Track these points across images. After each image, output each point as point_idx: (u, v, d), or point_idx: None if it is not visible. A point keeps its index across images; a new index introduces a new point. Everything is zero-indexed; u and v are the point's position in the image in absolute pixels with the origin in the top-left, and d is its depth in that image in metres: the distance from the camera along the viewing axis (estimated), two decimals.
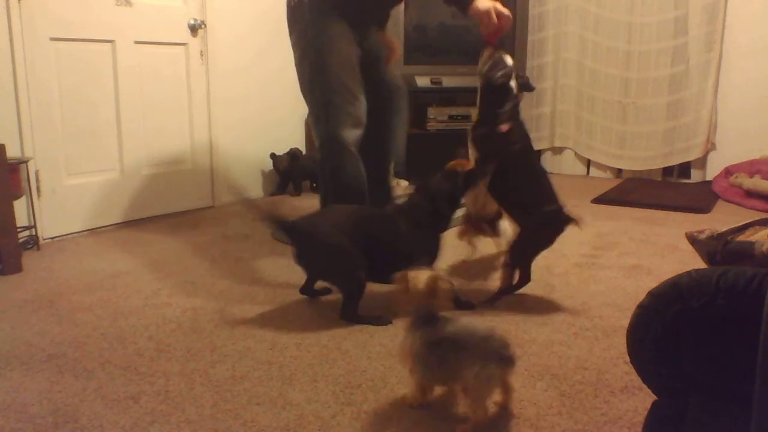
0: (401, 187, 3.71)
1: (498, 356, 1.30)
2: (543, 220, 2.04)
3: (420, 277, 1.38)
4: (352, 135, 2.47)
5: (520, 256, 2.08)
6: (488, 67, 2.14)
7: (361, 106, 2.49)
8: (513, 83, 2.13)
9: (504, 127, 2.06)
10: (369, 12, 2.60)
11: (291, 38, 2.59)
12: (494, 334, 1.34)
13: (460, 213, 2.34)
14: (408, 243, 1.99)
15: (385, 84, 2.67)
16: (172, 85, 3.35)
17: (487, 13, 2.24)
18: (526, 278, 2.11)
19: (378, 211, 2.22)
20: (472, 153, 2.16)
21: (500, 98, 2.09)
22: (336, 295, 2.17)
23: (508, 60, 2.17)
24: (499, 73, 2.10)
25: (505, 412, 1.40)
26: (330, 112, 2.45)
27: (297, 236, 2.04)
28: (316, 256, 2.00)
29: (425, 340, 1.36)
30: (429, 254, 2.03)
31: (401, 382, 1.55)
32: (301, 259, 2.04)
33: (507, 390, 1.40)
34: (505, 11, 2.27)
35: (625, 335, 1.08)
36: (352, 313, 1.96)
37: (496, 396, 1.38)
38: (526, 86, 2.24)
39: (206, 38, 3.46)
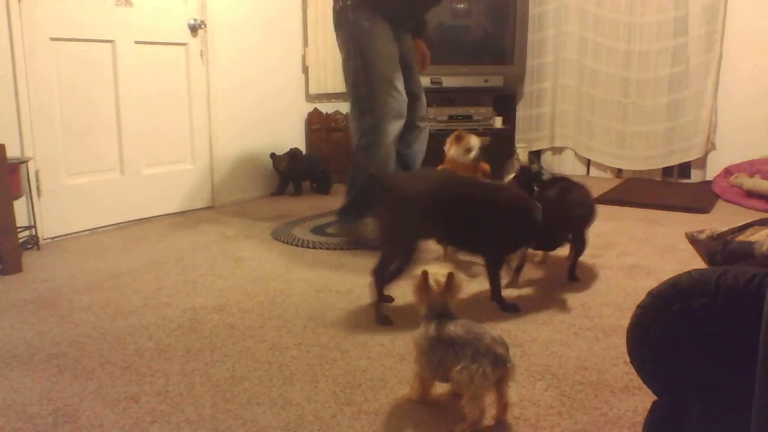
0: None
1: (492, 354, 1.29)
2: None
3: (438, 273, 1.40)
4: (395, 127, 2.67)
5: None
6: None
7: (403, 100, 2.70)
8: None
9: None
10: (404, 17, 2.76)
11: (338, 40, 2.77)
12: (489, 332, 1.34)
13: None
14: (502, 225, 2.00)
15: (410, 92, 2.79)
16: (172, 85, 3.35)
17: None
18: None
19: (483, 184, 2.25)
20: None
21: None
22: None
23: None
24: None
25: (501, 424, 1.37)
26: (375, 106, 2.64)
27: (381, 186, 2.02)
28: (387, 208, 1.98)
29: (430, 336, 1.37)
30: (519, 242, 2.09)
31: (401, 382, 1.55)
32: (377, 209, 2.04)
33: (502, 401, 1.36)
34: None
35: (625, 335, 1.08)
36: (378, 276, 1.94)
37: (491, 409, 1.37)
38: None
39: (206, 38, 3.46)
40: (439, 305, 1.41)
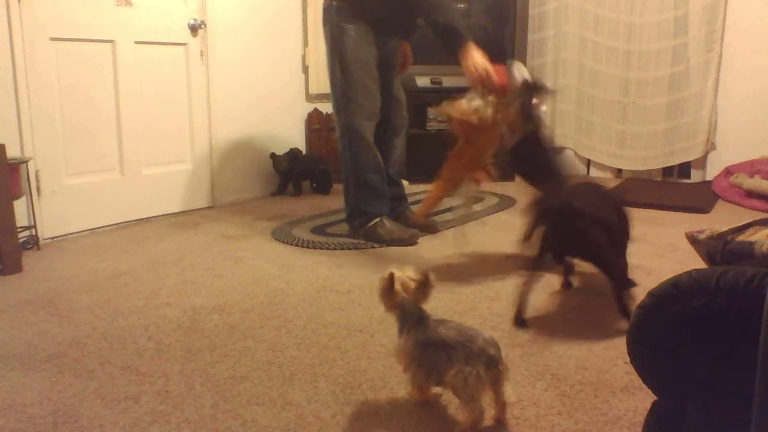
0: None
1: (485, 356, 1.29)
2: None
3: (407, 276, 1.39)
4: (368, 125, 2.79)
5: None
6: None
7: (377, 101, 2.80)
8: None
9: None
10: (390, 22, 2.79)
11: (324, 35, 2.84)
12: (481, 333, 1.33)
13: None
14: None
15: (388, 94, 2.89)
16: (172, 85, 3.35)
17: (467, 68, 2.46)
18: None
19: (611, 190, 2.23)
20: None
21: None
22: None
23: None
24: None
25: (501, 424, 1.37)
26: (349, 105, 2.74)
27: (559, 213, 1.89)
28: (581, 235, 1.86)
29: (418, 341, 1.36)
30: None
31: (401, 382, 1.55)
32: (560, 239, 1.91)
33: (500, 401, 1.35)
34: (494, 75, 2.41)
35: (625, 335, 1.08)
36: (627, 304, 1.85)
37: (490, 409, 1.36)
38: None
39: (206, 38, 3.46)
40: (413, 309, 1.39)
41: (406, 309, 1.40)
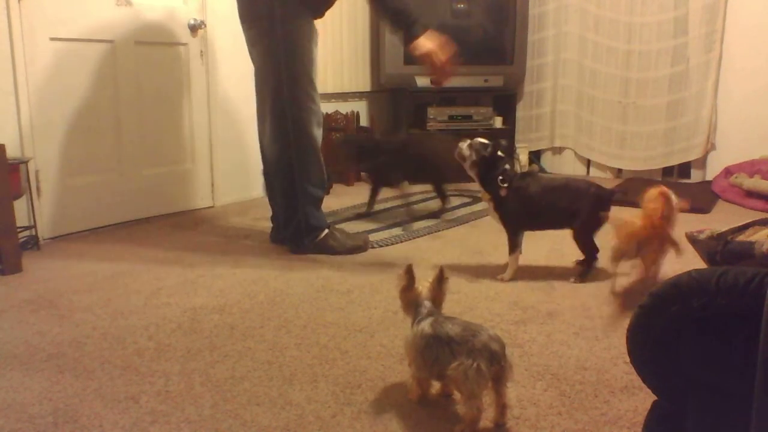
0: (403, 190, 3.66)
1: (487, 351, 1.29)
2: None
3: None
4: (319, 134, 2.58)
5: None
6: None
7: (320, 106, 2.57)
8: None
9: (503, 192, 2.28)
10: (323, 10, 2.57)
11: (249, 32, 2.54)
12: (486, 330, 1.33)
13: None
14: None
15: None
16: (172, 85, 3.35)
17: (427, 55, 2.28)
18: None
19: None
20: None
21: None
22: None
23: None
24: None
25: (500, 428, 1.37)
26: (301, 113, 2.49)
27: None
28: None
29: (424, 334, 1.37)
30: None
31: (401, 382, 1.55)
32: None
33: (500, 402, 1.35)
34: (446, 54, 2.29)
35: (625, 335, 1.08)
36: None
37: (490, 411, 1.36)
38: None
39: (206, 38, 3.46)
40: (427, 304, 1.40)
41: (420, 305, 1.41)
